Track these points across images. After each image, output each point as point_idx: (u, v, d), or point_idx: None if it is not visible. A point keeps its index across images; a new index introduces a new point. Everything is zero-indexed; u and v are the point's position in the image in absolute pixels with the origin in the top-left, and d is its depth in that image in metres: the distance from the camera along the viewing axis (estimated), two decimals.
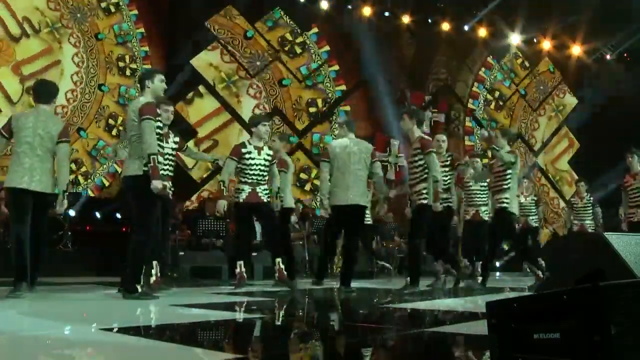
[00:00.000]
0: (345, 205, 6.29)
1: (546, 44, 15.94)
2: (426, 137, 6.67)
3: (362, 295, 6.28)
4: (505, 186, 7.09)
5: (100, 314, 4.29)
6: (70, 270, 8.85)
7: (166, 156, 5.73)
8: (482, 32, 15.27)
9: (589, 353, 1.76)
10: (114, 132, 11.32)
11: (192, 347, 2.78)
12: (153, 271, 5.87)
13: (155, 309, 4.54)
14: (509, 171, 7.08)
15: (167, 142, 5.85)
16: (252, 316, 4.28)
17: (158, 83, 5.19)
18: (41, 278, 7.85)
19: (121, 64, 11.71)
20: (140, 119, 4.92)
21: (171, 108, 6.12)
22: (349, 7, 14.01)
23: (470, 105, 15.69)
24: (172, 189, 6.21)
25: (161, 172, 5.06)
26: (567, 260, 2.59)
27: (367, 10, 13.96)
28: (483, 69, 15.90)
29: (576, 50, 15.95)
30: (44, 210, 5.33)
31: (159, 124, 5.05)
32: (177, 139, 6.21)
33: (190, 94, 12.28)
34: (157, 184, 4.89)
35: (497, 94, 16.05)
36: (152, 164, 4.86)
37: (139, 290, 5.03)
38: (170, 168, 6.01)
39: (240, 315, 4.32)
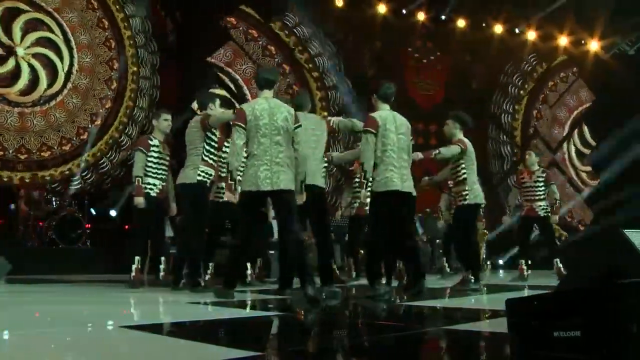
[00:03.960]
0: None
1: (563, 40, 15.80)
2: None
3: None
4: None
5: (119, 311, 4.33)
6: (88, 268, 8.93)
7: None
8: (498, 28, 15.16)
9: (609, 351, 1.74)
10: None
11: (209, 344, 2.79)
12: (161, 266, 6.35)
13: (174, 307, 4.57)
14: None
15: None
16: (268, 314, 4.29)
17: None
18: (59, 276, 7.97)
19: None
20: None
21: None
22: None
23: None
24: None
25: None
26: (586, 258, 2.57)
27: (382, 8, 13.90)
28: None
29: (594, 46, 15.79)
30: None
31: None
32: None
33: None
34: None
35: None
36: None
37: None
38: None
39: (256, 313, 4.33)
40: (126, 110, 11.33)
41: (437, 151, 6.17)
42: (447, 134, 6.49)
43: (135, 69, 11.47)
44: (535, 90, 16.27)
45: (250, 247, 5.22)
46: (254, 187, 4.75)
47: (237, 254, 5.05)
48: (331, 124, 5.71)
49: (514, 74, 16.10)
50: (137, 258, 6.23)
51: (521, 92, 16.09)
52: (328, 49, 13.69)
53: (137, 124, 11.33)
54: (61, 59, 10.78)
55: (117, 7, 11.47)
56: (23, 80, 10.31)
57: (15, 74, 10.27)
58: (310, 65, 13.61)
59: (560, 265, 8.13)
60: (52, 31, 10.75)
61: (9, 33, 10.27)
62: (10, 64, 10.22)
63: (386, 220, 5.36)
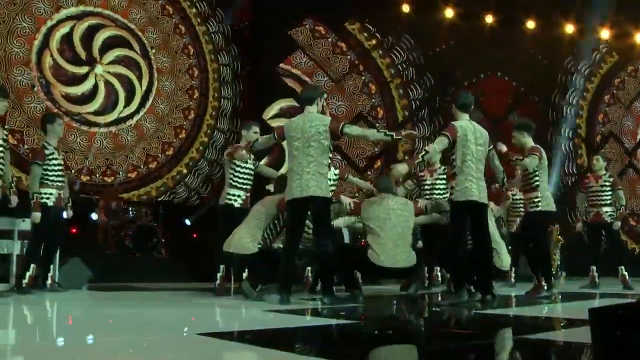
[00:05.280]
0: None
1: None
2: None
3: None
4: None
5: (195, 318, 4.43)
6: (163, 276, 9.16)
7: None
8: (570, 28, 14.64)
9: None
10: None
11: (285, 352, 2.82)
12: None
13: (250, 315, 4.64)
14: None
15: None
16: (339, 322, 4.30)
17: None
18: (134, 283, 8.22)
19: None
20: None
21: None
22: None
23: None
24: None
25: None
26: None
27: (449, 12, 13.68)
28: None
29: None
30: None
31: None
32: None
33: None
34: None
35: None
36: None
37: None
38: None
39: (332, 322, 4.34)
40: (207, 129, 11.58)
41: (517, 160, 6.11)
42: (519, 144, 6.39)
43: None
44: (602, 86, 15.46)
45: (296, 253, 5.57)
46: (289, 197, 5.27)
47: (287, 259, 5.35)
48: (419, 206, 6.12)
49: (577, 71, 15.37)
50: (221, 266, 6.37)
51: (588, 86, 15.31)
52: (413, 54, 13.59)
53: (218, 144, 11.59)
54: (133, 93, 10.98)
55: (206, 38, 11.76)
56: (82, 88, 10.61)
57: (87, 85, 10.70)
58: (393, 73, 13.51)
59: (625, 273, 7.89)
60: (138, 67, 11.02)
61: (101, 53, 10.69)
62: (84, 71, 10.58)
63: (465, 229, 5.50)
